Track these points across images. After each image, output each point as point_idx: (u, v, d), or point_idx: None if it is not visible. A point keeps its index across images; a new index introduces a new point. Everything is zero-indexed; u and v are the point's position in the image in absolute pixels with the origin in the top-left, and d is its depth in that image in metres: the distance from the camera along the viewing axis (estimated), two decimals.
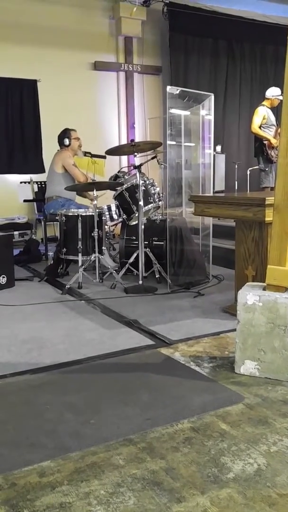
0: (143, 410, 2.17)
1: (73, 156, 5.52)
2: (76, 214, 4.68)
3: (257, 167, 6.91)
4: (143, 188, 4.49)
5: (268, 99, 6.67)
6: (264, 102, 6.70)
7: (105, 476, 1.70)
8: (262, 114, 6.58)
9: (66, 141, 5.45)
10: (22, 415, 2.16)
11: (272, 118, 6.64)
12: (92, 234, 4.54)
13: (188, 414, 2.12)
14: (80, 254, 4.60)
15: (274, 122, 6.63)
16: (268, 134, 6.60)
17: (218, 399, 2.26)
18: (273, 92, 6.67)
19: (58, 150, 5.62)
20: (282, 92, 6.26)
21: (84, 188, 5.17)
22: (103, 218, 4.84)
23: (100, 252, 4.61)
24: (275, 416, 2.10)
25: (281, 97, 6.48)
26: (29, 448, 1.89)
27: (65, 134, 5.48)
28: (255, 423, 2.05)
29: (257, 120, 6.59)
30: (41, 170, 7.48)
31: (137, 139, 7.98)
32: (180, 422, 2.06)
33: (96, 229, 4.51)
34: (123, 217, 4.85)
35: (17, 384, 2.50)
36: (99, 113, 8.25)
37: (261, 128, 6.60)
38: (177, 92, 4.70)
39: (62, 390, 2.40)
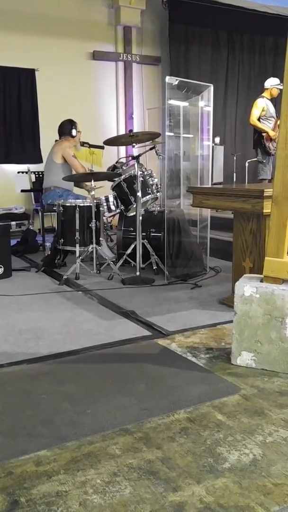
0: (139, 400, 2.18)
1: (73, 147, 5.50)
2: (73, 204, 4.67)
3: (256, 159, 6.89)
4: (141, 179, 4.47)
5: (267, 89, 6.64)
6: (264, 93, 6.66)
7: (101, 466, 1.71)
8: (261, 106, 6.54)
9: (74, 132, 5.40)
10: (19, 405, 2.16)
11: (272, 110, 6.60)
12: (90, 225, 4.53)
13: (185, 405, 2.13)
14: (77, 245, 4.60)
15: (274, 114, 6.59)
16: (267, 126, 6.56)
17: (215, 390, 2.27)
18: (271, 81, 6.63)
19: (57, 140, 5.58)
20: (281, 82, 6.27)
21: (81, 179, 5.15)
22: (100, 209, 4.83)
23: (98, 243, 4.60)
24: (271, 407, 2.11)
25: (279, 87, 6.45)
26: (25, 438, 1.89)
27: (72, 124, 5.43)
28: (251, 414, 2.06)
29: (256, 112, 6.56)
30: (38, 160, 7.45)
31: (135, 130, 7.93)
32: (177, 412, 2.07)
33: (93, 220, 4.50)
34: (121, 208, 4.84)
35: (14, 374, 2.50)
36: (98, 103, 8.20)
37: (260, 120, 6.57)
38: (176, 82, 4.67)
39: (59, 380, 2.40)
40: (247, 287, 2.49)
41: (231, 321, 2.60)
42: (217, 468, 1.69)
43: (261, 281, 2.54)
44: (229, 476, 1.65)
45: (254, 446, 1.82)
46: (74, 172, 5.31)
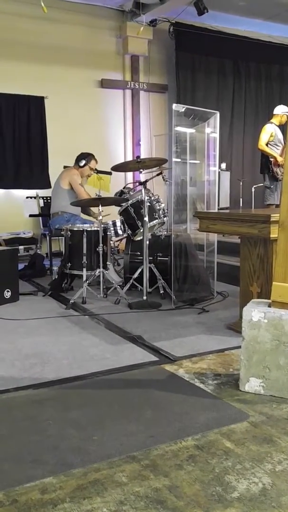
0: (146, 427, 2.15)
1: (81, 178, 5.59)
2: (81, 229, 4.70)
3: (262, 184, 6.94)
4: (148, 204, 4.51)
5: (276, 115, 6.71)
6: (273, 120, 6.74)
7: (108, 494, 1.68)
8: (269, 131, 6.62)
9: (82, 162, 5.53)
10: (25, 431, 2.14)
11: (280, 136, 6.68)
12: (97, 249, 4.55)
13: (192, 432, 2.10)
14: (84, 269, 4.61)
15: (282, 140, 6.65)
16: (275, 151, 6.63)
17: (223, 417, 2.23)
18: (282, 109, 6.73)
19: (66, 167, 5.68)
20: None
21: (89, 203, 5.19)
22: (108, 233, 4.86)
23: (105, 267, 4.61)
24: (280, 435, 2.07)
25: None
26: (31, 464, 1.87)
27: (86, 156, 5.57)
28: (259, 441, 2.02)
29: (264, 137, 6.63)
30: (47, 185, 7.53)
31: (142, 156, 8.01)
32: (184, 439, 2.04)
33: (101, 244, 4.52)
34: (128, 232, 4.86)
35: (20, 399, 2.48)
36: (106, 129, 8.33)
37: (268, 145, 6.63)
38: (183, 109, 4.73)
39: (65, 406, 2.38)
40: (255, 312, 2.48)
41: (239, 347, 2.58)
42: (225, 497, 1.66)
43: (269, 306, 2.53)
44: (238, 506, 1.61)
45: (263, 475, 1.78)
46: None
